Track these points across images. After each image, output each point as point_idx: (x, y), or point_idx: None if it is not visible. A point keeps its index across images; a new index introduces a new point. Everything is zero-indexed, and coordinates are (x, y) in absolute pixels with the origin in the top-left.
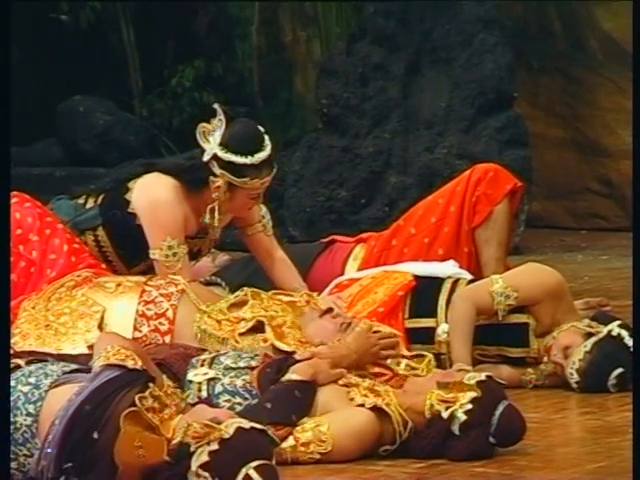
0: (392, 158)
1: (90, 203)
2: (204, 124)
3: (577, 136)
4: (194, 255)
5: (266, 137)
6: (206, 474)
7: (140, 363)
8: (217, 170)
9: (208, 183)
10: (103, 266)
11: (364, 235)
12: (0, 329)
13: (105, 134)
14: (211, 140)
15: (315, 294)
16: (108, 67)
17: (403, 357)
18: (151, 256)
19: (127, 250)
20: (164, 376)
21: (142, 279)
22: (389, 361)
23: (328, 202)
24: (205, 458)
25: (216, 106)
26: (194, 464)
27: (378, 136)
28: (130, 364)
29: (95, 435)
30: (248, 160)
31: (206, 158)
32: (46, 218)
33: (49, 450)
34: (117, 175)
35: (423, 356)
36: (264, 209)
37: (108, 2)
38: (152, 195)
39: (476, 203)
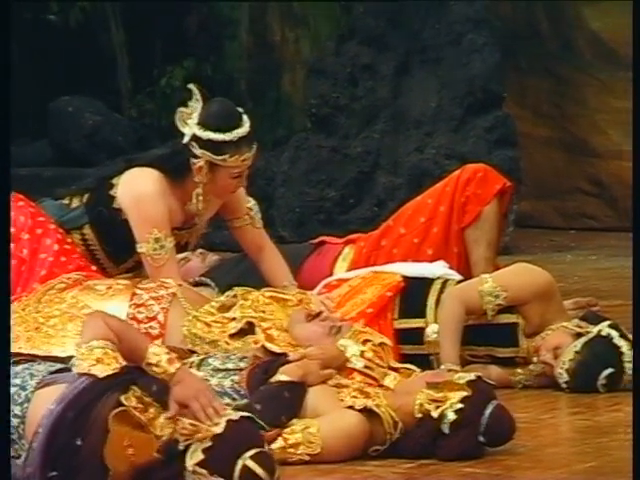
0: (381, 158)
1: (75, 203)
2: (182, 108)
3: (565, 136)
4: (182, 248)
5: (244, 116)
6: (203, 471)
7: (114, 363)
8: (197, 151)
9: (190, 169)
10: (93, 268)
11: (353, 236)
12: (0, 330)
13: (94, 134)
14: (189, 122)
15: (309, 293)
16: (97, 67)
17: (390, 369)
18: (138, 249)
19: (114, 247)
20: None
21: (133, 282)
22: (375, 373)
23: (317, 202)
24: (200, 456)
25: (191, 86)
26: (190, 463)
27: (367, 136)
28: (99, 370)
29: (78, 442)
30: (227, 137)
31: (186, 140)
32: (38, 217)
33: (33, 458)
34: (101, 173)
35: (411, 369)
36: (252, 201)
37: (97, 2)
38: (136, 189)
39: (465, 203)
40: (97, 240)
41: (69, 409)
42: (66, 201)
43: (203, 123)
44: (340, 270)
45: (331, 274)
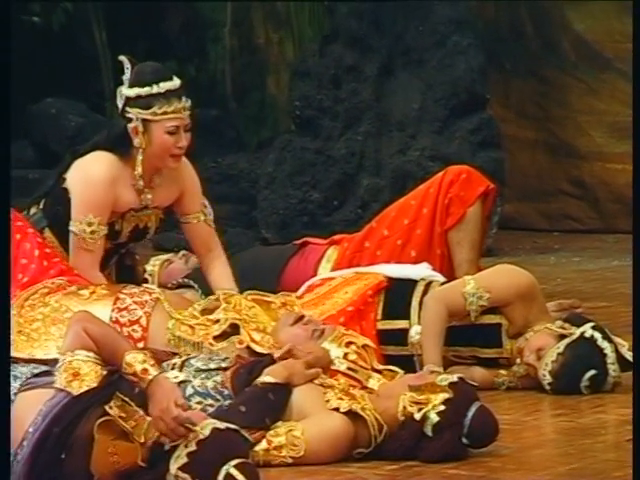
0: (365, 160)
1: (33, 210)
2: (120, 87)
3: (549, 138)
4: (142, 232)
5: (175, 76)
6: (186, 476)
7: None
8: (130, 112)
9: (131, 139)
10: (75, 271)
11: (337, 237)
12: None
13: (76, 136)
14: (122, 90)
15: (293, 295)
16: (80, 69)
17: (374, 371)
18: (69, 227)
19: None
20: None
21: (117, 287)
22: (358, 375)
23: (301, 204)
24: (184, 460)
25: (121, 58)
26: (173, 466)
27: (351, 138)
28: (76, 387)
29: (63, 455)
30: (153, 89)
31: (120, 105)
32: (17, 222)
33: (18, 471)
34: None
35: (394, 371)
36: (207, 202)
37: (80, 3)
38: (86, 173)
39: (449, 205)
40: (58, 241)
41: (54, 424)
42: (25, 212)
43: (131, 83)
44: (324, 271)
45: (315, 275)
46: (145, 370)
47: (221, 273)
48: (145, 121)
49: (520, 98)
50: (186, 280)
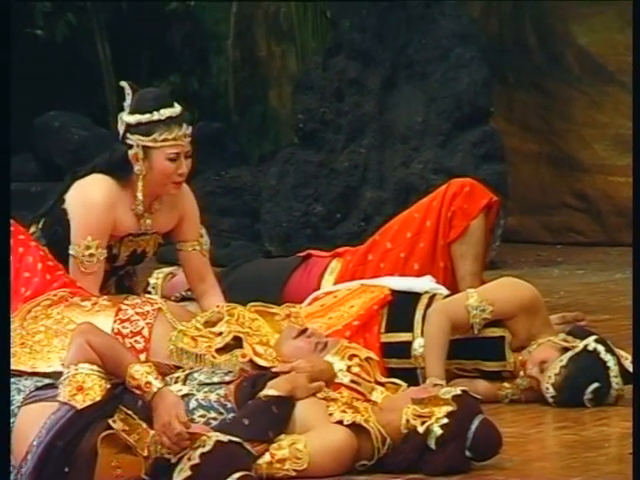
0: (368, 173)
1: (32, 229)
2: (120, 112)
3: (553, 151)
4: (139, 257)
5: (176, 103)
6: None
7: (97, 388)
8: (130, 139)
9: (131, 164)
10: (78, 284)
11: (340, 250)
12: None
13: (80, 150)
14: (122, 116)
15: (297, 306)
16: (84, 82)
17: (377, 383)
18: (69, 251)
19: None
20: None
21: (119, 299)
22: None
23: (304, 217)
24: (187, 473)
25: (122, 83)
26: (176, 479)
27: (354, 151)
28: (80, 401)
29: (67, 469)
30: (154, 116)
31: (121, 131)
32: (19, 236)
33: None
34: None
35: (397, 384)
36: (204, 230)
37: (83, 16)
38: (84, 196)
39: (452, 218)
40: (54, 259)
41: (58, 438)
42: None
43: (132, 110)
44: (327, 284)
45: (318, 288)
46: (149, 383)
47: (208, 305)
48: (146, 148)
49: (523, 111)
50: (189, 293)
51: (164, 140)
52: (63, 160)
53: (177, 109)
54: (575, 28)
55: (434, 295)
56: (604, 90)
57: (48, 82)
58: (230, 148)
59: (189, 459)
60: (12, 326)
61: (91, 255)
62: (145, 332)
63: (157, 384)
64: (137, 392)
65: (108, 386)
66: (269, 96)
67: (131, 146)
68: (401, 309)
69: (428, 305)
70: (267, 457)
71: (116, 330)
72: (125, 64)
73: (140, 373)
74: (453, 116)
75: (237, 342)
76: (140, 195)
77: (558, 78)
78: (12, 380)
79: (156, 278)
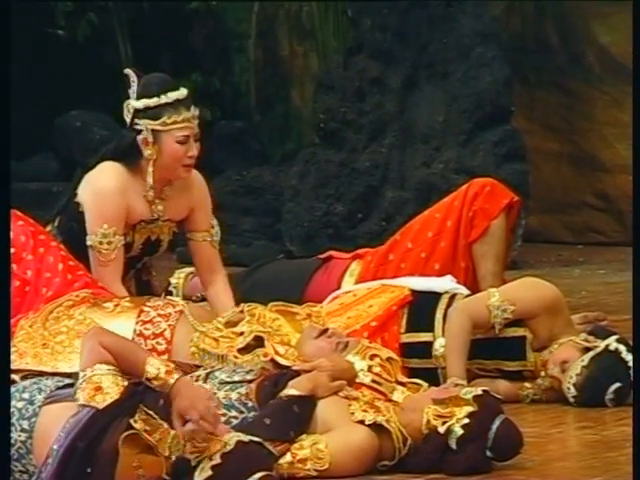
0: (389, 172)
1: (48, 227)
2: (127, 100)
3: (574, 150)
4: (154, 245)
5: (182, 87)
6: None
7: (115, 388)
8: (139, 124)
9: (140, 150)
10: (99, 279)
11: (360, 251)
12: (0, 339)
13: (101, 149)
14: (129, 103)
15: (318, 306)
16: (105, 81)
17: (398, 383)
18: (87, 242)
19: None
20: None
21: (141, 300)
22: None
23: (325, 217)
24: (208, 473)
25: (127, 71)
26: (197, 479)
27: (375, 150)
28: (99, 401)
29: (89, 470)
30: (162, 100)
31: (128, 118)
32: (39, 236)
33: None
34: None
35: (418, 384)
36: (215, 222)
37: (104, 15)
38: (95, 185)
39: (473, 218)
40: (74, 257)
41: (79, 439)
42: None
43: (139, 95)
44: (347, 285)
45: (338, 289)
46: (169, 372)
47: (214, 297)
48: (155, 132)
49: (545, 110)
50: None
51: (173, 122)
52: (84, 159)
53: (184, 91)
54: (596, 27)
55: (454, 295)
56: (625, 89)
57: (69, 82)
58: (252, 147)
59: (210, 459)
60: (34, 326)
61: (109, 243)
62: (167, 334)
63: (175, 375)
64: (156, 384)
65: (126, 384)
66: (291, 95)
67: (140, 131)
68: (422, 309)
69: (449, 305)
70: (288, 457)
71: (138, 331)
72: (146, 63)
73: (157, 365)
74: (474, 115)
75: (258, 342)
76: (150, 180)
77: (579, 77)
78: (33, 380)
79: (177, 278)
